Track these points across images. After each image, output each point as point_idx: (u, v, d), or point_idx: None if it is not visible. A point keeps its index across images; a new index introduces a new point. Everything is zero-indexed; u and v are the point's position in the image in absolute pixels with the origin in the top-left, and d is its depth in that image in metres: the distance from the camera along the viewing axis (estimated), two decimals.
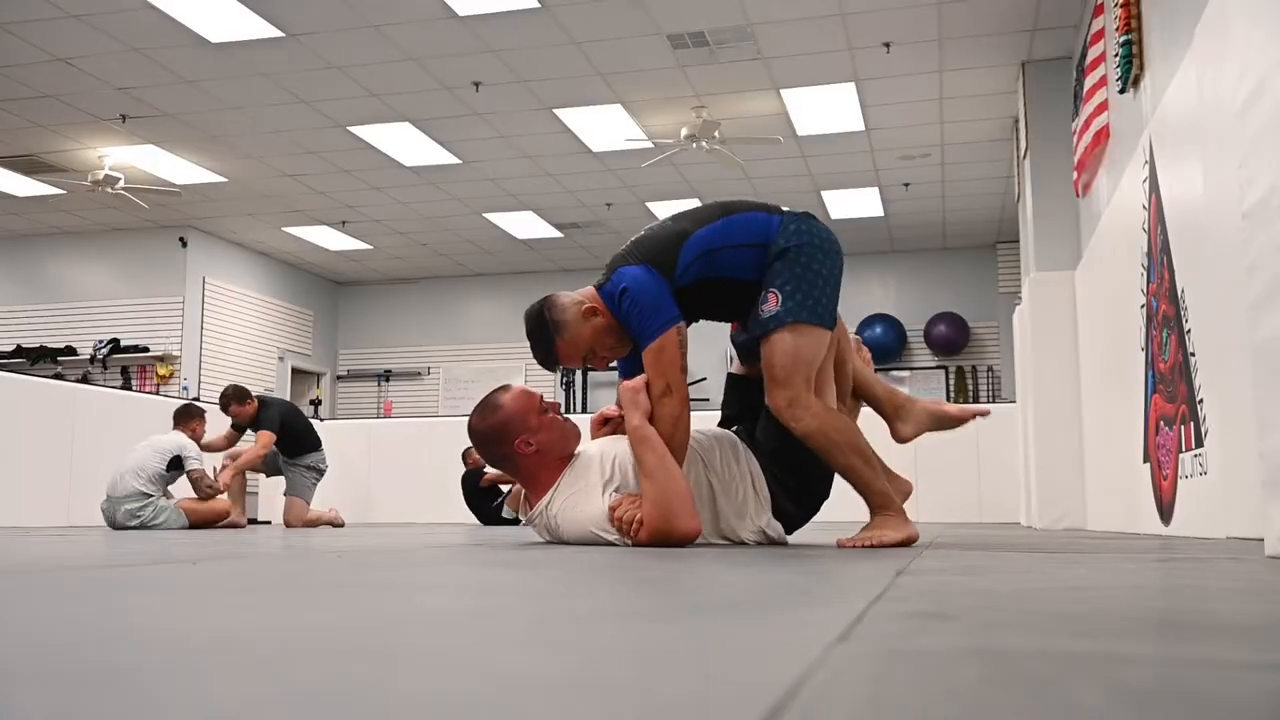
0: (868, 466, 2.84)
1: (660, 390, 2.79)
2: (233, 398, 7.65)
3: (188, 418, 7.04)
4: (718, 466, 2.97)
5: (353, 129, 9.29)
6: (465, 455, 8.73)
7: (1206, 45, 3.22)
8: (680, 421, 2.80)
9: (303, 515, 7.74)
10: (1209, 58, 3.17)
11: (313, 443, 7.99)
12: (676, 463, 2.76)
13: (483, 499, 8.79)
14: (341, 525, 7.70)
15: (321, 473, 8.03)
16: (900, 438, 3.20)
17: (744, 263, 2.87)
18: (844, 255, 2.97)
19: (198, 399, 10.56)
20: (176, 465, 6.73)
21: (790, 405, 2.80)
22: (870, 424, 3.11)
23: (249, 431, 7.83)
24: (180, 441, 6.82)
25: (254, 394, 7.85)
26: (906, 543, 2.76)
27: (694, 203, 11.41)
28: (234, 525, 6.97)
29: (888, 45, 7.59)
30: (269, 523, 9.79)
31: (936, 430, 3.24)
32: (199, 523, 6.62)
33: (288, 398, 12.27)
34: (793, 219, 2.91)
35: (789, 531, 3.03)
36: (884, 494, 2.85)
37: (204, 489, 6.81)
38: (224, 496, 7.17)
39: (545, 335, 2.90)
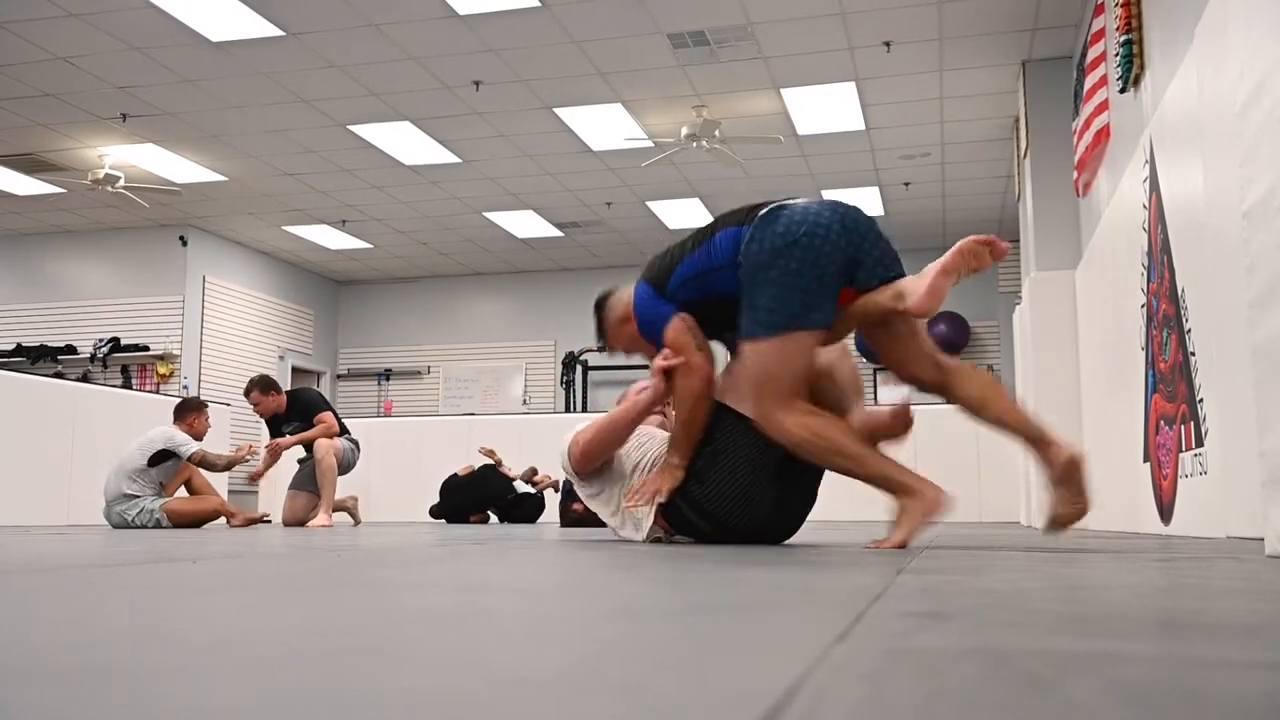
0: (857, 464, 2.77)
1: (683, 368, 2.99)
2: (257, 385, 7.18)
3: (185, 411, 6.75)
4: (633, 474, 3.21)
5: (353, 128, 9.29)
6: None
7: (1206, 45, 3.21)
8: (693, 394, 2.98)
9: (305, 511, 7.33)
10: (1209, 57, 3.17)
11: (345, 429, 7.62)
12: (689, 437, 3.01)
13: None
14: (356, 522, 7.57)
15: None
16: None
17: (730, 282, 2.88)
18: (820, 237, 2.73)
19: (198, 398, 10.54)
20: (164, 457, 6.43)
21: (763, 422, 2.84)
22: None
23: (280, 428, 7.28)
24: (168, 434, 6.50)
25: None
26: (928, 521, 2.68)
27: (694, 202, 11.42)
28: (223, 515, 6.56)
29: (888, 44, 7.59)
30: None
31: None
32: (182, 524, 6.24)
33: None
34: (757, 229, 2.82)
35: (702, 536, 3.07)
36: (887, 478, 2.76)
37: (215, 461, 6.44)
38: (223, 491, 6.98)
39: (599, 325, 3.29)
